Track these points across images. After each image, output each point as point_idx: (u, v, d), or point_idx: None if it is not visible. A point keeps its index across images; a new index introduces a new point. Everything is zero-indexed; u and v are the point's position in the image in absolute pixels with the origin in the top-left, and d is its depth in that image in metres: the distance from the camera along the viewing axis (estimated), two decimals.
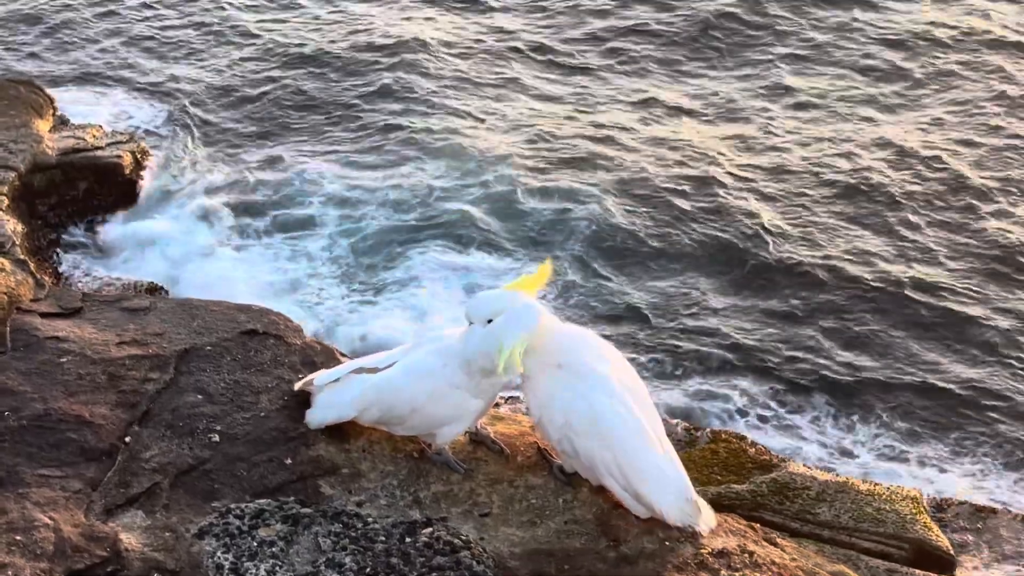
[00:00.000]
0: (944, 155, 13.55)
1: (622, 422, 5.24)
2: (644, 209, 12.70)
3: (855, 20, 16.48)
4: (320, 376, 5.86)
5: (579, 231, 12.38)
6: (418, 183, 13.07)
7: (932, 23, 16.33)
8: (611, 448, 5.24)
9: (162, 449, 5.64)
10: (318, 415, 5.76)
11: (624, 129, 14.01)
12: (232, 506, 5.38)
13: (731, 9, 16.54)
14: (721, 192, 12.92)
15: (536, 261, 11.78)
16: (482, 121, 14.27)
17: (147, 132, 13.63)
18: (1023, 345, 10.86)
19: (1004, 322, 11.10)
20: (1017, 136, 14.00)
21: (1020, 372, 10.62)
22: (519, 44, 15.93)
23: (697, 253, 12.08)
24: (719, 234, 12.31)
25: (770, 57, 15.60)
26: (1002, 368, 10.70)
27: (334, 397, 5.73)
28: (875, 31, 16.15)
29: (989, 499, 9.04)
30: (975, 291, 11.57)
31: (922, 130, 14.19)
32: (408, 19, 16.57)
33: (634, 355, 10.64)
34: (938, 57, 15.62)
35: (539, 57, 15.70)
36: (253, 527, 5.27)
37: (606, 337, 5.89)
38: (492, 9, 16.88)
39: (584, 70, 15.40)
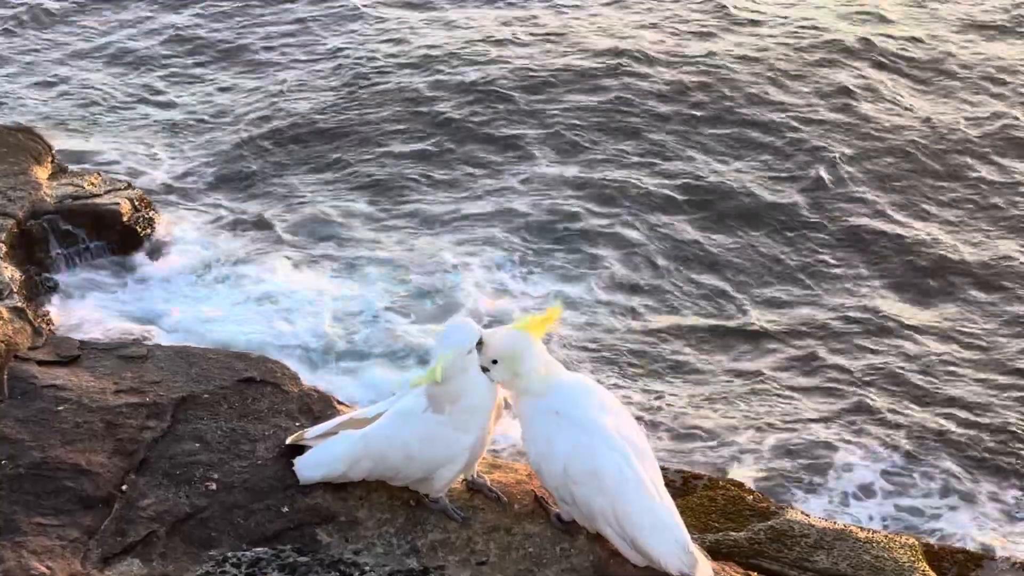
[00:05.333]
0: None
1: (621, 474, 5.24)
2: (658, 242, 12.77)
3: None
4: (311, 430, 5.87)
5: (601, 266, 12.45)
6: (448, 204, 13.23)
7: None
8: (609, 498, 5.24)
9: (159, 497, 5.64)
10: (305, 473, 5.75)
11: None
12: (229, 554, 5.37)
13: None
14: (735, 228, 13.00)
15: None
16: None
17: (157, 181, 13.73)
18: None
19: None
20: None
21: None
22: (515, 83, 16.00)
23: (706, 296, 12.11)
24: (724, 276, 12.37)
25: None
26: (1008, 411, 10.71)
27: (321, 454, 5.72)
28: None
29: (985, 546, 9.02)
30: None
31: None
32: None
33: (634, 394, 10.66)
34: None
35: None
36: (250, 575, 5.26)
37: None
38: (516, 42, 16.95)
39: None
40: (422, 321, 11.57)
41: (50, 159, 12.25)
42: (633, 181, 13.76)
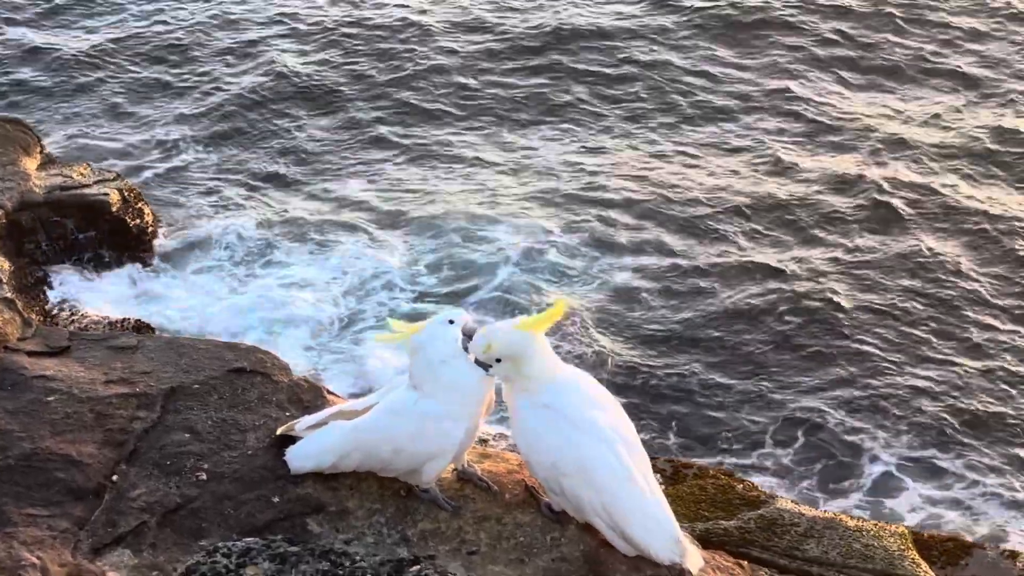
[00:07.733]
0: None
1: (610, 467, 5.24)
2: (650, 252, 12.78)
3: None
4: (301, 421, 5.87)
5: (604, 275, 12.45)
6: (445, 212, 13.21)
7: None
8: (598, 491, 5.25)
9: (149, 488, 5.63)
10: (296, 463, 5.75)
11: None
12: (219, 544, 5.37)
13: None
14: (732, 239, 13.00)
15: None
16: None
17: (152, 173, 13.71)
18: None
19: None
20: None
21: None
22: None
23: (703, 299, 12.12)
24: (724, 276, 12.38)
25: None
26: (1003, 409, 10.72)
27: (312, 445, 5.72)
28: None
29: (976, 534, 9.05)
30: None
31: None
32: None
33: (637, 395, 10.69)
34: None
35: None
36: (240, 566, 5.25)
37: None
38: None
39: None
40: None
41: (39, 150, 12.21)
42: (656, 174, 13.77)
